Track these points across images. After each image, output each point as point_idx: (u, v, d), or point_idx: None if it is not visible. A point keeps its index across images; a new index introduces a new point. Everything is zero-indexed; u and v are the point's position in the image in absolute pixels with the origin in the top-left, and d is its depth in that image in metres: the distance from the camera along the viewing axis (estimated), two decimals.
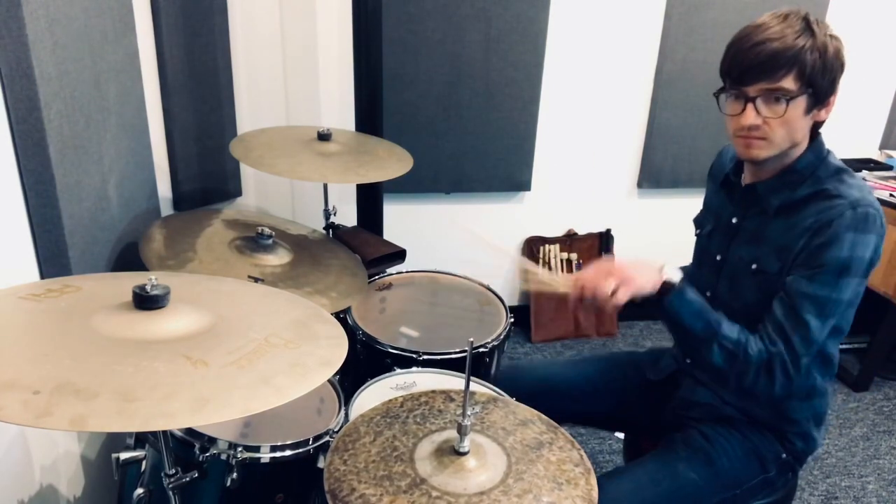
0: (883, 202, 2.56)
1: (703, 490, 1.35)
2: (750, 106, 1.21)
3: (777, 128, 1.21)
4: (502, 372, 1.67)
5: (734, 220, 1.38)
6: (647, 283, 1.24)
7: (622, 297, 1.22)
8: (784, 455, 1.40)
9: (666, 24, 2.64)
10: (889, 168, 2.91)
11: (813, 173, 1.27)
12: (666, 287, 1.26)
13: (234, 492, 1.24)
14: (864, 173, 2.81)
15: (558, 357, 2.88)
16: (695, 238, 1.54)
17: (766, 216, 1.32)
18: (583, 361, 1.69)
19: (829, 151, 1.30)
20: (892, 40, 2.87)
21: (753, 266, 1.32)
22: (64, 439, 1.50)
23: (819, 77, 1.18)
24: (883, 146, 3.07)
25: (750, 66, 1.19)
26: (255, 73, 2.34)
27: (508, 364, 1.78)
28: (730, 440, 1.39)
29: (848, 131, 2.97)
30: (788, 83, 1.18)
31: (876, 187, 2.66)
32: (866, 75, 2.90)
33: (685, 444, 1.40)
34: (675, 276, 1.27)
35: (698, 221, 1.53)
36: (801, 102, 1.19)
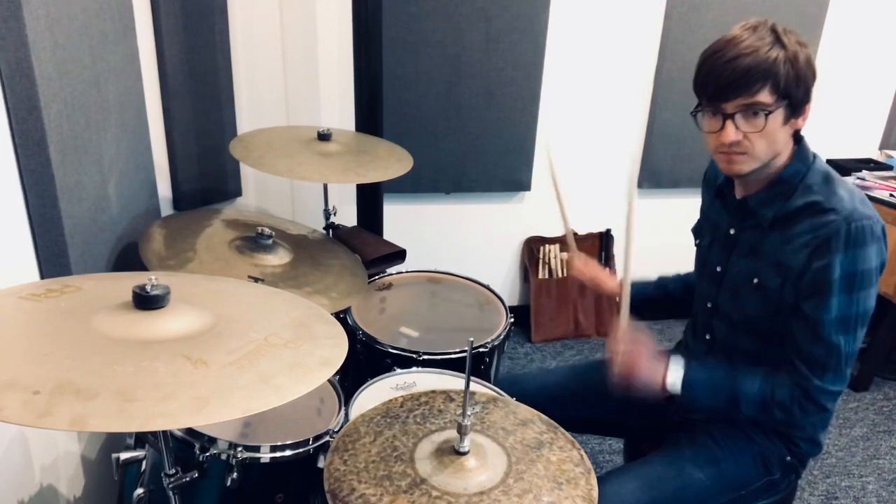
0: (883, 202, 2.55)
1: (710, 490, 1.35)
2: (729, 122, 1.20)
3: (757, 141, 1.21)
4: (500, 382, 1.68)
5: (732, 232, 1.38)
6: (645, 387, 1.34)
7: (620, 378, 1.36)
8: (789, 458, 1.40)
9: (666, 24, 2.64)
10: (889, 168, 2.91)
11: (802, 181, 1.26)
12: (671, 389, 1.34)
13: (234, 492, 1.24)
14: (864, 173, 2.80)
15: (558, 356, 2.88)
16: (695, 248, 1.53)
17: (761, 229, 1.31)
18: (580, 368, 1.69)
19: (815, 156, 1.29)
20: (892, 40, 2.87)
21: (755, 280, 1.32)
22: (64, 439, 1.50)
23: (793, 87, 1.18)
24: (883, 146, 3.07)
25: (726, 82, 1.18)
26: (255, 73, 2.34)
27: (506, 375, 1.78)
28: (736, 442, 1.39)
29: (848, 131, 2.97)
30: (764, 97, 1.17)
31: (876, 187, 2.66)
32: (866, 75, 2.90)
33: (691, 444, 1.40)
34: (677, 386, 1.33)
35: (697, 231, 1.53)
36: (778, 114, 1.19)
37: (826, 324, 1.22)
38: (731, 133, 1.20)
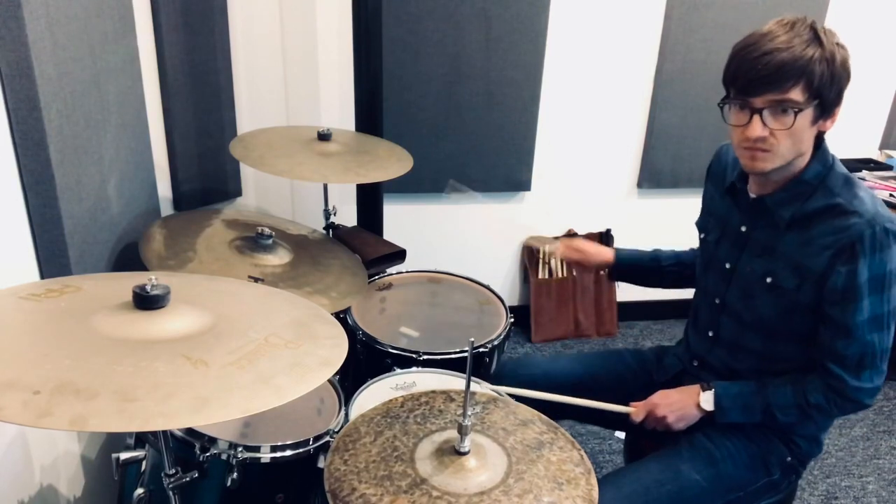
0: (883, 202, 2.55)
1: (708, 492, 1.35)
2: (756, 118, 1.18)
3: (783, 140, 1.19)
4: (504, 365, 1.67)
5: (743, 229, 1.37)
6: (689, 422, 1.39)
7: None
8: (789, 458, 1.40)
9: (666, 24, 2.64)
10: (889, 168, 2.91)
11: (822, 183, 1.25)
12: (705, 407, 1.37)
13: (234, 492, 1.24)
14: (864, 173, 2.81)
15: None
16: (699, 241, 1.53)
17: (777, 229, 1.30)
18: (587, 357, 1.68)
19: (834, 158, 1.28)
20: (892, 40, 2.87)
21: (768, 280, 1.31)
22: (64, 439, 1.50)
23: (827, 88, 1.15)
24: (883, 146, 3.07)
25: (757, 76, 1.15)
26: (255, 73, 2.34)
27: (510, 360, 1.77)
28: (735, 443, 1.39)
29: (848, 131, 2.97)
30: (796, 94, 1.15)
31: (876, 187, 2.66)
32: (866, 75, 2.90)
33: (689, 446, 1.39)
34: (711, 406, 1.37)
35: (701, 226, 1.52)
36: (808, 114, 1.17)
37: (859, 325, 1.22)
38: (757, 128, 1.18)
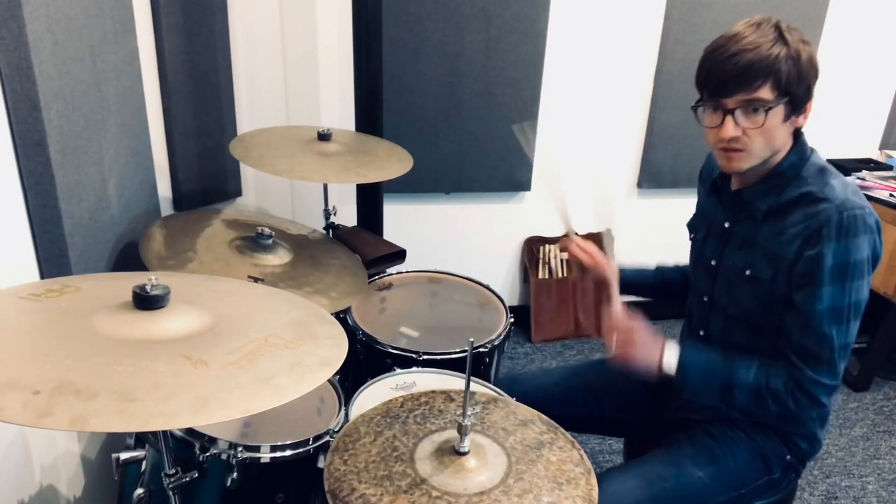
0: (883, 202, 2.55)
1: (709, 488, 1.35)
2: (729, 118, 1.21)
3: (756, 138, 1.21)
4: (500, 381, 1.68)
5: (726, 225, 1.39)
6: (642, 366, 1.32)
7: (617, 358, 1.34)
8: (788, 457, 1.40)
9: (666, 24, 2.64)
10: (889, 168, 2.91)
11: (797, 174, 1.27)
12: (666, 369, 1.31)
13: (234, 492, 1.24)
14: (864, 173, 2.80)
15: (558, 356, 2.88)
16: (690, 242, 1.54)
17: (755, 221, 1.32)
18: (580, 367, 1.70)
19: (812, 150, 1.30)
20: (892, 40, 2.87)
21: (747, 272, 1.32)
22: (64, 439, 1.50)
23: (795, 84, 1.18)
24: (883, 146, 3.07)
25: (726, 78, 1.19)
26: (255, 73, 2.34)
27: (505, 374, 1.78)
28: (735, 441, 1.39)
29: (848, 131, 2.97)
30: (765, 93, 1.18)
31: (876, 187, 2.66)
32: (866, 75, 2.90)
33: (691, 443, 1.40)
34: (672, 364, 1.31)
35: (692, 226, 1.54)
36: (779, 111, 1.20)
37: (817, 314, 1.21)
38: (730, 129, 1.21)
